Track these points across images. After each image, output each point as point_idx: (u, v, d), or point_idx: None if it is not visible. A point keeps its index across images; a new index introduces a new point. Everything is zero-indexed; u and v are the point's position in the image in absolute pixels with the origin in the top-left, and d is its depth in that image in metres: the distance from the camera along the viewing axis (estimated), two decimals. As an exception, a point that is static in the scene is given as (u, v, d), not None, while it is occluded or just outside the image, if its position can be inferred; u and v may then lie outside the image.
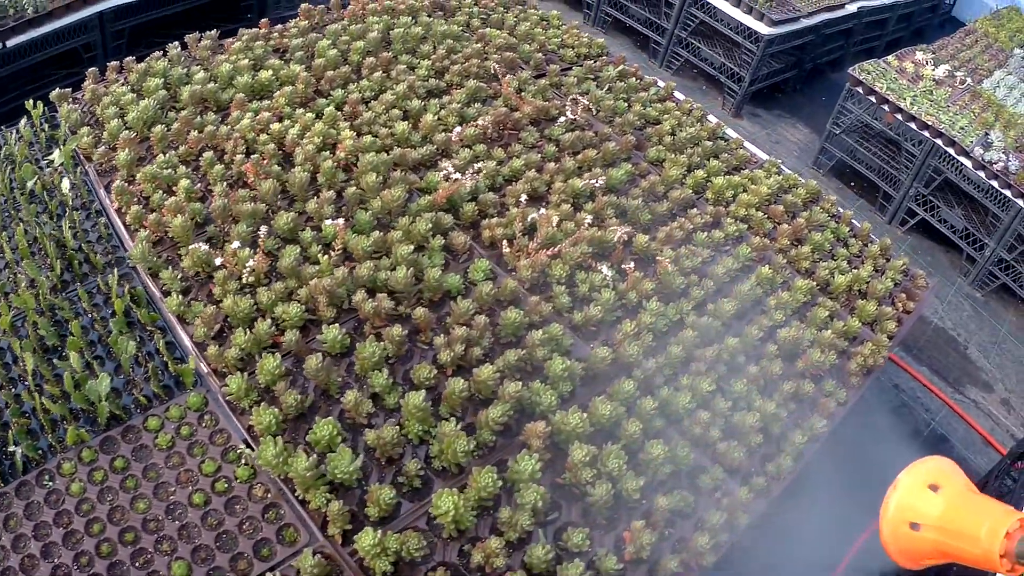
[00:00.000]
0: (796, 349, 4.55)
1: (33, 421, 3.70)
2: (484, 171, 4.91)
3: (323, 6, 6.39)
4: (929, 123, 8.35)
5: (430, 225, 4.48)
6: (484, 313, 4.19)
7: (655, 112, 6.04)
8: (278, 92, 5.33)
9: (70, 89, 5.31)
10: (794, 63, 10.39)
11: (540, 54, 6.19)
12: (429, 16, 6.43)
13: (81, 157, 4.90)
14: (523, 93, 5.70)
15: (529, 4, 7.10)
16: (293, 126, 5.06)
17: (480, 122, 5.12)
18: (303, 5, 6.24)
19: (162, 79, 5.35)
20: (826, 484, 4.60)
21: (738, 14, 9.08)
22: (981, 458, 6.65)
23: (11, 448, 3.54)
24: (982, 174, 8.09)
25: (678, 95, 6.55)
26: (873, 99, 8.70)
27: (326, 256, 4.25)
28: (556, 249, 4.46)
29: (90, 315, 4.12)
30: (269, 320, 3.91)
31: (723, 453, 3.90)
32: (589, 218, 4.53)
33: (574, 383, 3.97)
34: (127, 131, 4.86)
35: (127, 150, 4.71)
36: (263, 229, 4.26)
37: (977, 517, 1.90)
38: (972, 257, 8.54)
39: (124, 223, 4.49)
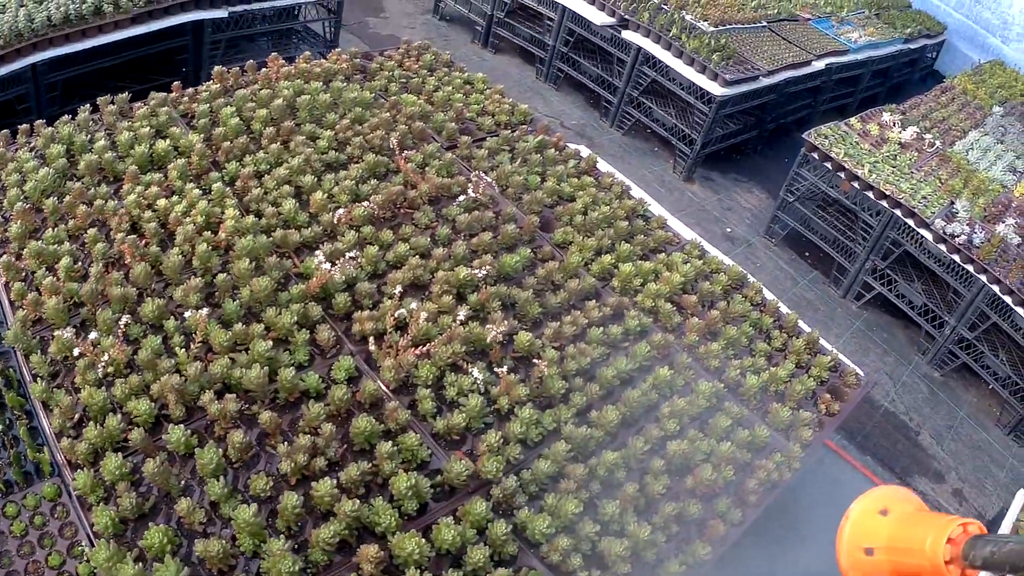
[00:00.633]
0: (689, 463, 4.17)
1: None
2: (366, 257, 4.59)
3: (238, 67, 6.14)
4: (888, 192, 8.01)
5: (295, 318, 4.17)
6: (341, 417, 3.90)
7: (570, 188, 5.71)
8: (171, 165, 5.05)
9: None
10: (754, 123, 10.08)
11: (453, 123, 5.88)
12: (346, 80, 6.16)
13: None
14: (427, 168, 5.39)
15: (456, 67, 6.82)
16: (180, 203, 4.79)
17: (366, 204, 4.80)
18: (216, 68, 5.99)
19: (66, 145, 5.13)
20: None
21: (691, 73, 8.80)
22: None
23: None
24: (943, 247, 7.73)
25: (602, 167, 6.23)
26: (829, 165, 8.37)
27: (185, 349, 3.99)
28: (426, 348, 4.11)
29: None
30: (120, 415, 3.72)
31: (582, 587, 3.53)
32: (463, 314, 4.17)
33: (422, 499, 3.62)
34: (22, 201, 4.65)
35: (19, 222, 4.54)
36: (125, 317, 4.00)
37: (921, 531, 1.93)
38: (931, 335, 8.15)
39: (9, 299, 4.29)
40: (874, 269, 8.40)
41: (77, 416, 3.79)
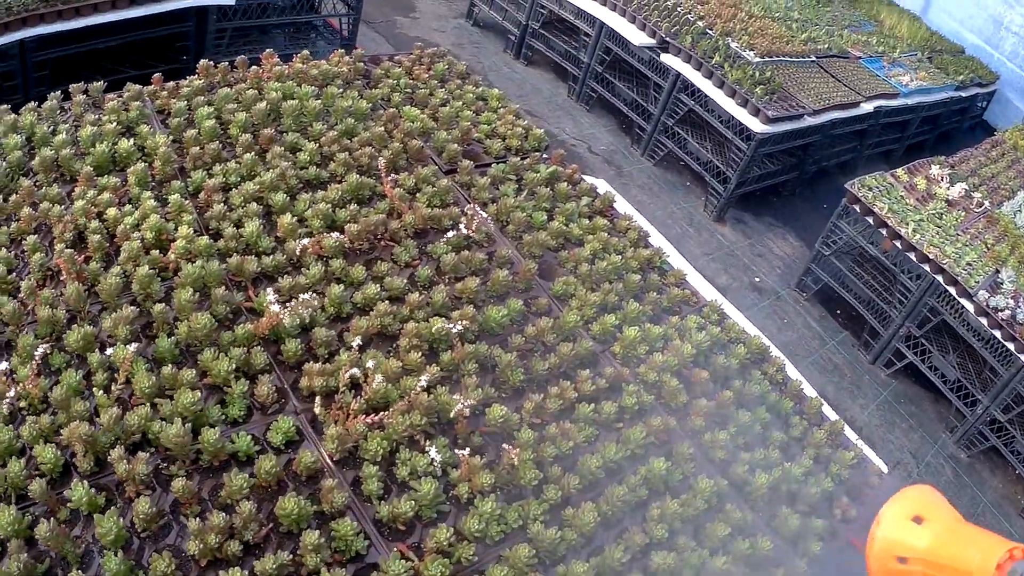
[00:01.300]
0: (674, 579, 3.53)
1: None
2: (329, 297, 4.00)
3: (227, 62, 5.59)
4: (931, 255, 7.31)
5: (235, 364, 3.60)
6: (272, 490, 3.33)
7: (579, 229, 5.08)
8: (131, 168, 4.50)
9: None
10: (794, 164, 9.37)
11: (456, 144, 5.27)
12: (345, 86, 5.58)
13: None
14: (419, 194, 4.79)
15: (471, 79, 6.21)
16: (132, 214, 4.24)
17: (336, 234, 4.21)
18: (202, 61, 5.44)
19: (26, 136, 4.62)
20: None
21: (731, 106, 8.12)
22: None
23: None
24: (984, 321, 7.02)
25: (620, 206, 5.60)
26: (871, 220, 7.67)
27: (104, 391, 3.41)
28: (379, 417, 3.51)
29: None
30: (24, 460, 3.17)
31: None
32: (424, 380, 3.56)
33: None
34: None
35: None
36: (44, 346, 3.45)
37: (967, 549, 1.94)
38: (962, 412, 7.42)
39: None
40: (908, 336, 7.68)
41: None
